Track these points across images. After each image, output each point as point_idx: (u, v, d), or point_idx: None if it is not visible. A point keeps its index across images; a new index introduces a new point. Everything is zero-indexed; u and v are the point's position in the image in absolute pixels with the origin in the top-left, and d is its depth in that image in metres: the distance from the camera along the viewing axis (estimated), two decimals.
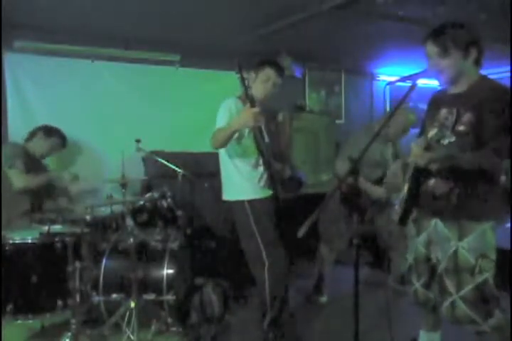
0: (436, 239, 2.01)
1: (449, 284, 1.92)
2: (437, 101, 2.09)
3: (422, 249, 2.09)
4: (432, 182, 1.98)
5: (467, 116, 1.84)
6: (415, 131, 2.42)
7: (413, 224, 2.13)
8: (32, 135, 3.20)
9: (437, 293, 2.03)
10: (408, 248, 2.21)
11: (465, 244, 1.89)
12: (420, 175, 1.99)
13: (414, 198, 2.01)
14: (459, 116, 1.85)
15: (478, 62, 1.92)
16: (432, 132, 1.82)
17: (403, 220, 2.06)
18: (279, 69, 2.57)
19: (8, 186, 2.91)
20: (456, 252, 1.91)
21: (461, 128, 1.84)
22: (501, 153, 1.79)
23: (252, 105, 2.27)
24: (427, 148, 1.84)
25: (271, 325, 2.52)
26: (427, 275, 2.09)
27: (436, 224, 2.00)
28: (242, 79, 2.37)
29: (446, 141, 1.77)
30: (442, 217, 1.97)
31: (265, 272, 2.47)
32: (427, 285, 2.09)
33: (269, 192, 2.55)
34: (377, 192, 3.10)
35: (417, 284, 2.12)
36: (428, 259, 2.07)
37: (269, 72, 2.53)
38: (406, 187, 2.04)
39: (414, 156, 1.92)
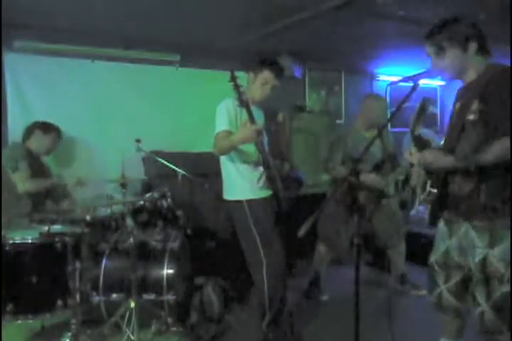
0: (466, 245, 1.92)
1: (479, 293, 1.85)
2: (457, 94, 2.01)
3: (453, 254, 1.99)
4: (455, 180, 1.88)
5: (475, 105, 1.75)
6: None
7: (445, 225, 2.03)
8: (29, 133, 3.16)
9: (465, 301, 1.97)
10: (434, 248, 2.10)
11: (495, 252, 1.80)
12: (445, 175, 1.89)
13: (442, 198, 1.92)
14: (469, 106, 1.76)
15: (482, 51, 1.87)
16: None
17: (433, 220, 1.98)
18: (279, 72, 2.56)
19: (9, 187, 2.90)
20: (485, 260, 1.83)
21: (471, 117, 1.73)
22: None
23: (252, 121, 2.35)
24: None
25: (270, 325, 2.51)
26: (455, 280, 2.00)
27: (467, 230, 1.90)
28: (237, 88, 2.39)
29: None
30: (471, 221, 1.87)
31: (263, 272, 2.47)
32: (453, 290, 2.01)
33: (268, 193, 2.55)
34: (372, 179, 3.08)
35: (443, 286, 2.03)
36: (459, 264, 1.99)
37: (268, 75, 2.52)
38: (428, 186, 1.95)
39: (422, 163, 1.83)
